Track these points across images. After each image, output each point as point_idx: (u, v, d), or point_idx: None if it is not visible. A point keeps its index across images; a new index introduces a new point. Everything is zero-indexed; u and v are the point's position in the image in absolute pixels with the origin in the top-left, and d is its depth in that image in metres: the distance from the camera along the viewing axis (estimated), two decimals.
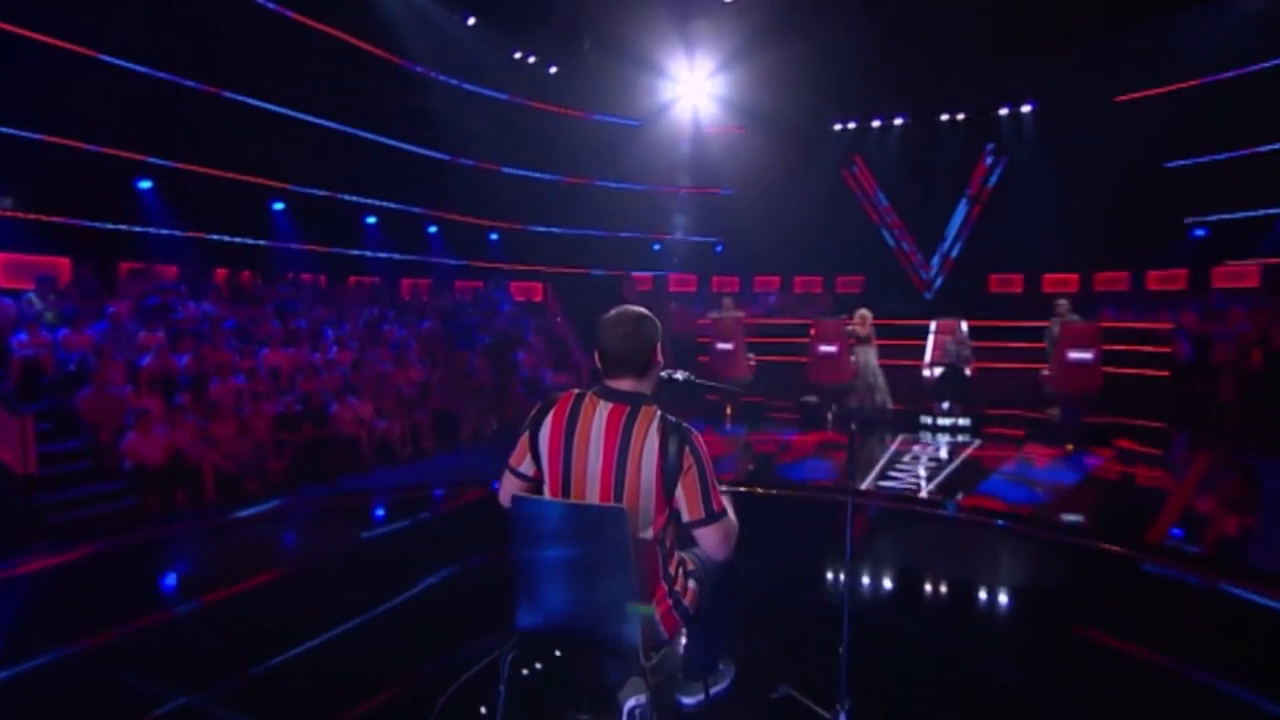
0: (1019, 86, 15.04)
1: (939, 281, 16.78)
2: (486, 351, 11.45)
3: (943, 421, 9.12)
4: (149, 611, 4.04)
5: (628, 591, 1.85)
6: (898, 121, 16.57)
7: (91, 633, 3.57)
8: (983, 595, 4.21)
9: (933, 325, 10.99)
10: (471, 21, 13.51)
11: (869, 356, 9.77)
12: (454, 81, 13.72)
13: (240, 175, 11.13)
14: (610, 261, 16.73)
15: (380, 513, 6.77)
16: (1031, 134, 15.42)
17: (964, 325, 10.40)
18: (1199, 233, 14.01)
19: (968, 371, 9.66)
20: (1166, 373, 10.91)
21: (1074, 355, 8.73)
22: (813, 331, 10.33)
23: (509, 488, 2.06)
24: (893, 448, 8.30)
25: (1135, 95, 13.56)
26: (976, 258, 16.04)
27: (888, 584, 4.27)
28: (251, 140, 10.87)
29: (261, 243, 11.94)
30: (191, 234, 10.88)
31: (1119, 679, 3.09)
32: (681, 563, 2.08)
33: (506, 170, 15.05)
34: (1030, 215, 14.62)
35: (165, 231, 10.57)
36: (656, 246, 17.92)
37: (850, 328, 9.83)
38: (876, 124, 16.78)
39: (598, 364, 2.03)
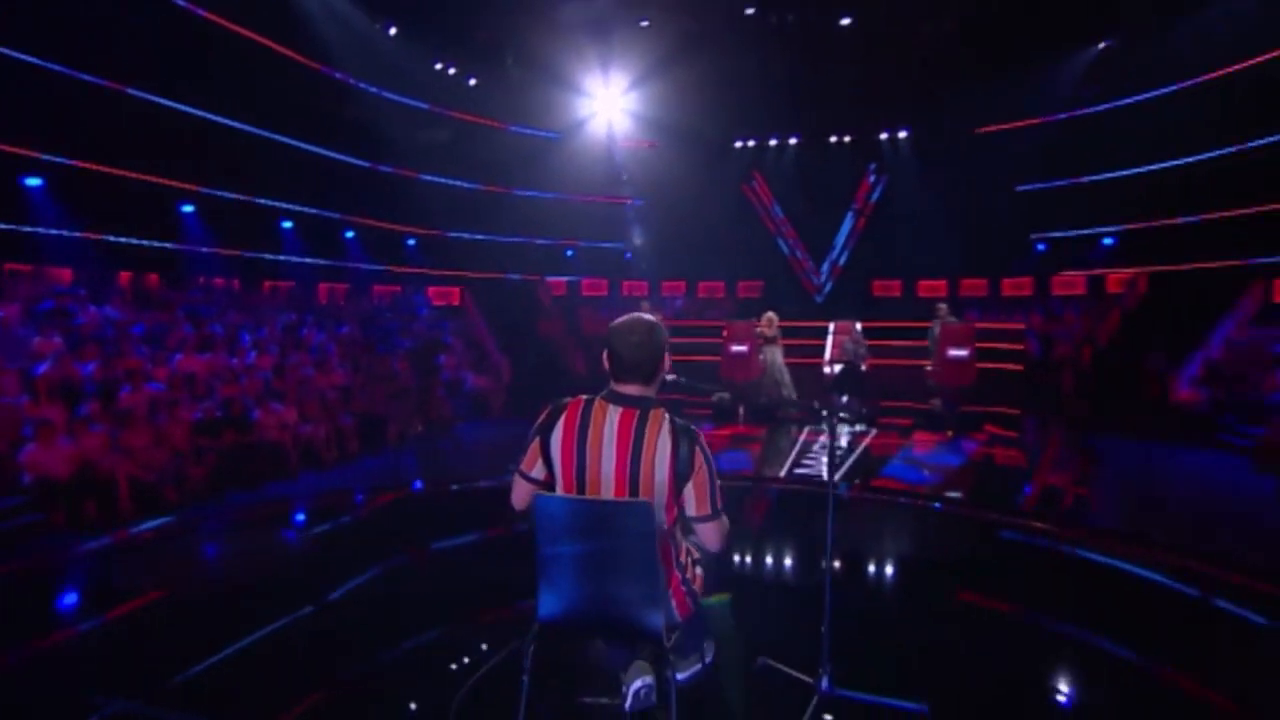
0: (897, 115, 16.04)
1: (829, 286, 17.57)
2: (410, 355, 11.04)
3: (843, 414, 9.55)
4: (53, 629, 3.63)
5: (652, 580, 1.88)
6: (792, 141, 17.26)
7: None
8: (891, 565, 4.40)
9: (831, 326, 11.51)
10: (393, 31, 13.00)
11: (775, 355, 10.11)
12: (374, 89, 13.15)
13: (146, 176, 10.23)
14: (526, 267, 16.52)
15: (303, 517, 6.38)
16: (908, 156, 16.45)
17: (859, 326, 10.95)
18: (1041, 247, 15.39)
19: (863, 368, 10.18)
20: (1021, 366, 11.89)
21: (953, 352, 9.37)
22: (725, 333, 10.59)
23: (521, 491, 2.06)
24: (801, 439, 8.62)
25: (994, 128, 14.78)
26: (861, 265, 16.92)
27: (823, 562, 4.42)
28: (159, 141, 10.02)
29: (169, 246, 11.02)
30: (90, 235, 9.91)
31: (994, 634, 3.32)
32: (689, 551, 2.13)
33: (425, 177, 14.57)
34: (907, 228, 15.59)
35: (57, 232, 9.58)
36: (570, 253, 17.84)
37: (759, 329, 10.14)
38: (774, 142, 17.41)
39: (606, 367, 2.02)
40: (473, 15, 13.01)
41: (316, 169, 12.51)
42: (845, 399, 9.92)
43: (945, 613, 3.51)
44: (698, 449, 1.91)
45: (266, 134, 11.47)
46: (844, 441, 8.61)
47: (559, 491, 1.99)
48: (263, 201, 12.10)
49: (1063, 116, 13.91)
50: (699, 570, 2.12)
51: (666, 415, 1.95)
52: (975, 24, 12.78)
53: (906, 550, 4.72)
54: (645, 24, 13.90)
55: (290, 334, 10.46)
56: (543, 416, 2.02)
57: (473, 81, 14.89)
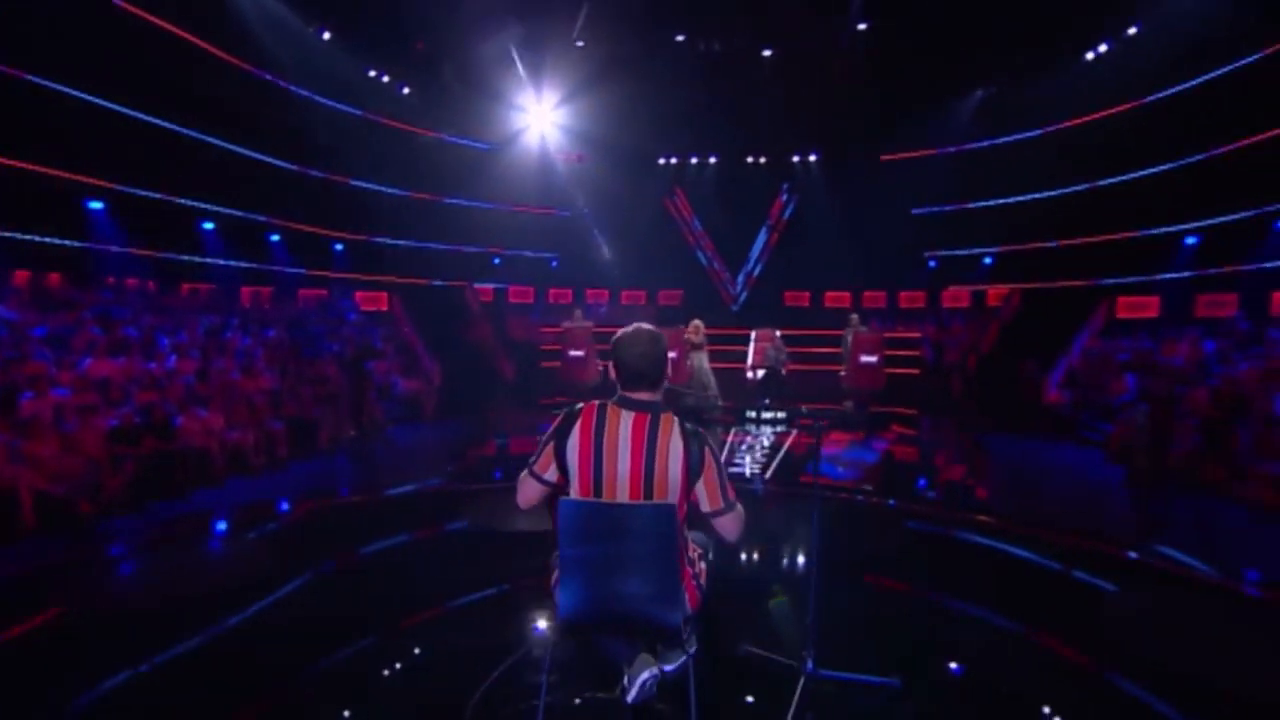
0: (809, 140, 16.65)
1: (744, 296, 17.98)
2: (340, 359, 10.43)
3: (765, 415, 9.74)
4: None
5: (673, 576, 1.93)
6: (712, 160, 17.59)
7: None
8: (816, 554, 4.51)
9: (753, 334, 11.72)
10: (326, 36, 12.28)
11: (702, 361, 10.17)
12: (305, 93, 12.38)
13: (47, 169, 9.18)
14: (454, 273, 15.99)
15: (228, 524, 5.90)
16: (818, 178, 17.08)
17: (778, 333, 11.21)
18: (932, 264, 16.33)
19: (784, 373, 10.41)
20: (917, 371, 12.54)
21: (864, 359, 9.74)
22: None
23: (531, 492, 2.07)
24: (728, 441, 8.71)
25: (895, 156, 15.63)
26: (774, 277, 17.42)
27: (757, 554, 4.47)
28: (64, 133, 9.02)
29: (73, 244, 9.94)
30: None
31: (899, 611, 3.60)
32: (693, 547, 2.17)
33: (355, 183, 13.85)
34: (815, 243, 16.18)
35: None
36: (497, 260, 17.43)
37: (687, 336, 10.19)
38: (695, 160, 17.68)
39: (613, 377, 2.07)
40: (408, 25, 12.52)
41: (242, 170, 11.64)
42: (767, 401, 10.11)
43: (858, 593, 3.73)
44: (707, 449, 1.98)
45: (188, 132, 10.58)
46: (767, 441, 8.76)
47: (575, 492, 1.99)
48: (183, 201, 11.13)
49: (953, 150, 14.89)
50: (703, 565, 2.16)
51: (675, 419, 2.01)
52: (881, 64, 13.49)
53: (829, 539, 4.87)
54: (580, 44, 13.80)
55: (213, 337, 9.65)
56: (558, 421, 2.03)
57: (405, 90, 14.32)
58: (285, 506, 6.37)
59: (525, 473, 2.07)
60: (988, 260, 15.29)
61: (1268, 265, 10.37)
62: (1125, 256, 12.45)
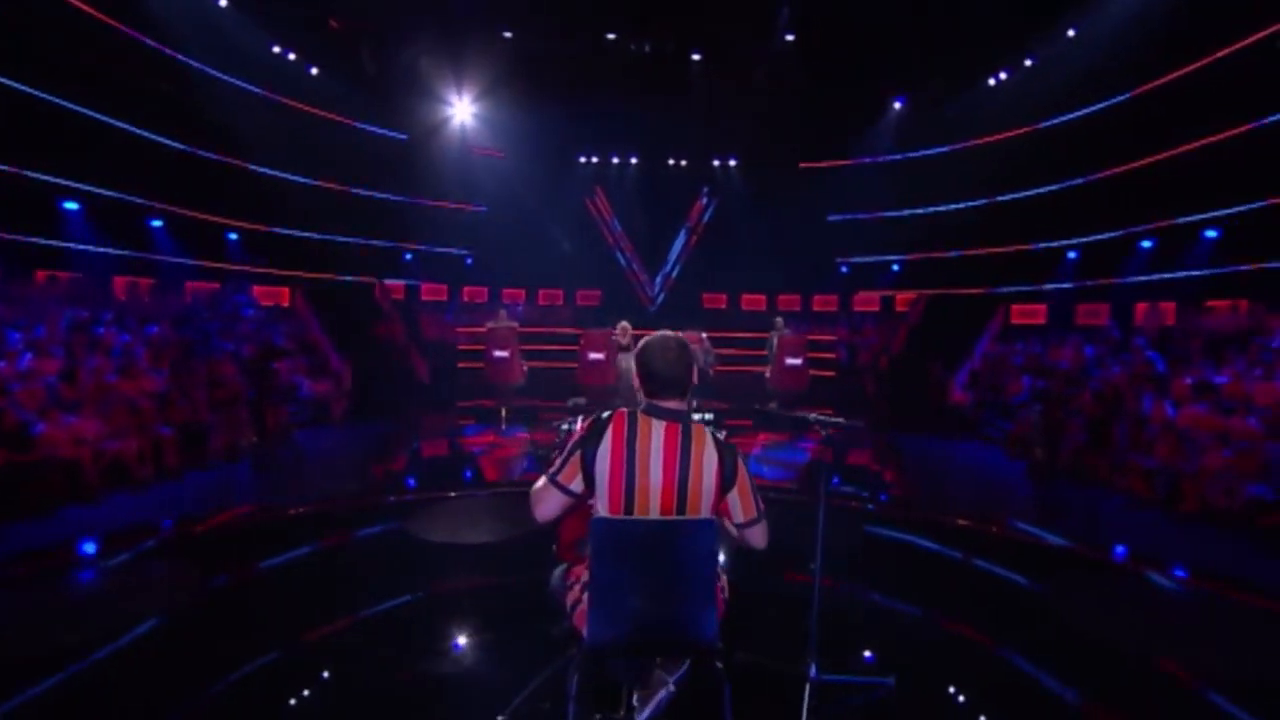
0: (728, 144, 16.89)
1: (661, 298, 18.02)
2: (241, 359, 9.52)
3: (695, 417, 9.74)
4: None
5: (711, 590, 1.90)
6: (633, 160, 17.50)
7: None
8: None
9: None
10: (224, 3, 11.11)
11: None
12: (197, 64, 11.18)
13: None
14: (362, 269, 15.06)
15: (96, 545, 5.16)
16: (737, 182, 17.36)
17: (705, 335, 11.24)
18: (845, 269, 17.00)
19: (711, 374, 10.44)
20: (833, 373, 12.98)
21: (789, 361, 9.93)
22: (582, 341, 10.36)
23: (553, 504, 1.98)
24: None
25: (812, 164, 16.13)
26: (692, 278, 17.56)
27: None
28: None
29: None
30: None
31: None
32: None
33: (255, 168, 12.70)
34: (733, 247, 16.43)
35: None
36: (408, 256, 16.58)
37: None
38: (615, 160, 17.53)
39: (638, 385, 2.02)
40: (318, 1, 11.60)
41: (116, 145, 10.37)
42: (695, 403, 10.10)
43: (774, 592, 3.84)
44: (739, 460, 1.96)
45: (46, 96, 9.28)
46: None
47: (603, 506, 1.91)
48: (38, 176, 9.76)
49: (868, 161, 15.55)
50: (725, 576, 2.15)
51: (708, 430, 1.98)
52: (804, 76, 13.88)
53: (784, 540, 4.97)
54: (508, 35, 13.33)
55: (81, 333, 8.53)
56: (584, 431, 1.95)
57: (314, 71, 13.30)
58: (169, 522, 5.66)
59: (545, 482, 1.97)
60: (895, 267, 16.07)
61: (1131, 280, 11.48)
62: (1018, 267, 13.42)
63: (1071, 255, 12.79)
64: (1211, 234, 10.11)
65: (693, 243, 17.89)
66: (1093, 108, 11.87)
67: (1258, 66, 9.05)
